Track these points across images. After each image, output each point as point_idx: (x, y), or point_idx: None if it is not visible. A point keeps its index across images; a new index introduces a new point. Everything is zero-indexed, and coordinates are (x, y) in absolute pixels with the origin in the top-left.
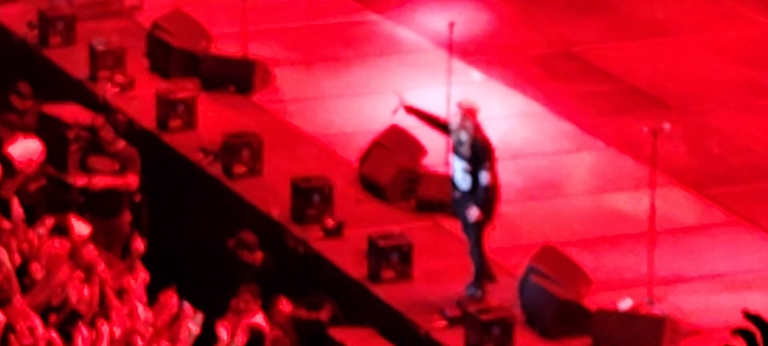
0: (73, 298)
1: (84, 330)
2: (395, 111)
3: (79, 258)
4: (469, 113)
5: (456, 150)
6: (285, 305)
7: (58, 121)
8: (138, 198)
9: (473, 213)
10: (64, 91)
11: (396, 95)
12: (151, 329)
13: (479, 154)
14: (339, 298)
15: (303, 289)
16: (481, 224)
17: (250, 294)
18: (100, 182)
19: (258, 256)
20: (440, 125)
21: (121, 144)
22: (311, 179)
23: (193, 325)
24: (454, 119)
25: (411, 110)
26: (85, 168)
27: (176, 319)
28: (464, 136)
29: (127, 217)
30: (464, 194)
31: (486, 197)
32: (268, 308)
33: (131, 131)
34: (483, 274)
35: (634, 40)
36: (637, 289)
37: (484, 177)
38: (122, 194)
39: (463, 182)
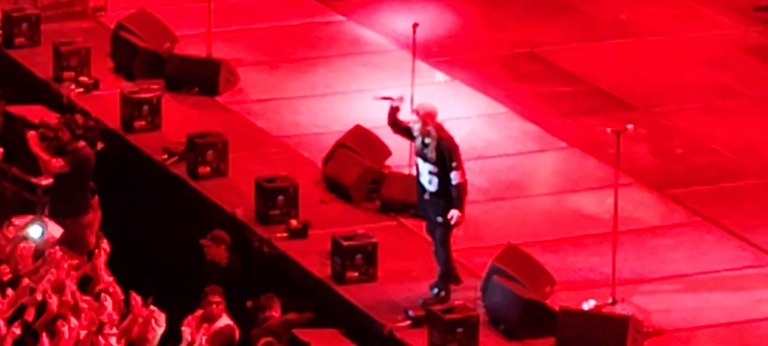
0: (42, 298)
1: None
2: (386, 99)
3: (49, 259)
4: (428, 117)
5: (421, 154)
6: (276, 310)
7: (23, 121)
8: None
9: (454, 215)
10: (28, 92)
11: (396, 97)
12: (116, 329)
13: (446, 154)
14: (303, 298)
15: (267, 289)
16: (451, 225)
17: (215, 295)
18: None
19: (224, 255)
20: (407, 132)
21: (81, 144)
22: (276, 180)
23: (157, 324)
24: (415, 126)
25: (393, 115)
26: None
27: (144, 320)
28: (428, 140)
29: (90, 218)
30: (432, 195)
31: (459, 195)
32: (232, 308)
33: (92, 132)
34: (449, 275)
35: (598, 41)
36: (600, 289)
37: (455, 176)
38: (86, 195)
39: (430, 184)
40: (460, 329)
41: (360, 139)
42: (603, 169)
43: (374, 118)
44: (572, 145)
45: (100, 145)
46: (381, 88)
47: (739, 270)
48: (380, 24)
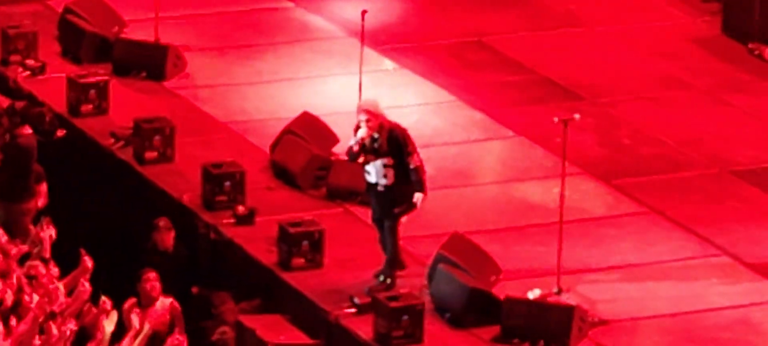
0: None
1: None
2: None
3: None
4: (371, 114)
5: (372, 150)
6: (230, 303)
7: None
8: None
9: (419, 198)
10: None
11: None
12: (63, 315)
13: (399, 143)
14: (249, 285)
15: (213, 276)
16: (404, 212)
17: (150, 276)
18: None
19: (170, 241)
20: (362, 148)
21: (25, 131)
22: (222, 166)
23: (108, 323)
24: (365, 124)
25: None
26: None
27: (96, 313)
28: (377, 135)
29: (31, 205)
30: (387, 188)
31: (419, 178)
32: (177, 293)
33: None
34: (394, 262)
35: (547, 31)
36: (546, 278)
37: (412, 161)
38: (27, 182)
39: (385, 178)
40: (405, 317)
41: (308, 126)
42: (550, 159)
43: (322, 105)
44: (519, 135)
45: (60, 132)
46: (329, 75)
47: (684, 261)
48: (329, 11)
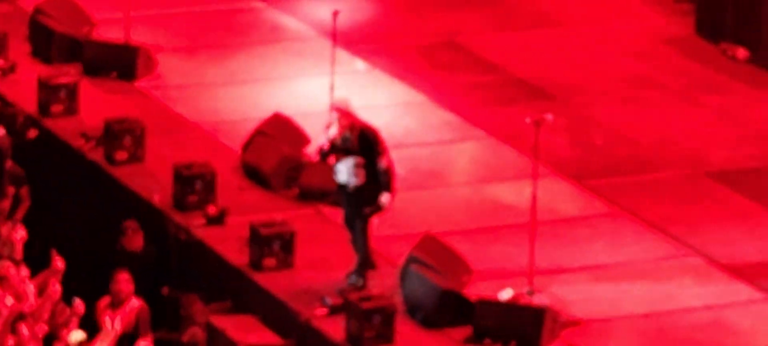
0: None
1: None
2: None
3: None
4: (344, 113)
5: (343, 149)
6: (198, 305)
7: None
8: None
9: (386, 199)
10: None
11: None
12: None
13: (370, 142)
14: (220, 286)
15: (184, 277)
16: (374, 212)
17: (123, 277)
18: None
19: (139, 243)
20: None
21: None
22: (193, 166)
23: (77, 333)
24: (334, 124)
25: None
26: None
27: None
28: (348, 134)
29: (6, 203)
30: (357, 188)
31: (388, 179)
32: (147, 294)
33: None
34: (366, 262)
35: (519, 31)
36: (517, 279)
37: (382, 162)
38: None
39: (355, 177)
40: (377, 318)
41: (279, 126)
42: (522, 160)
43: (294, 106)
44: (491, 135)
45: (33, 133)
46: (301, 75)
47: (657, 261)
48: (300, 11)
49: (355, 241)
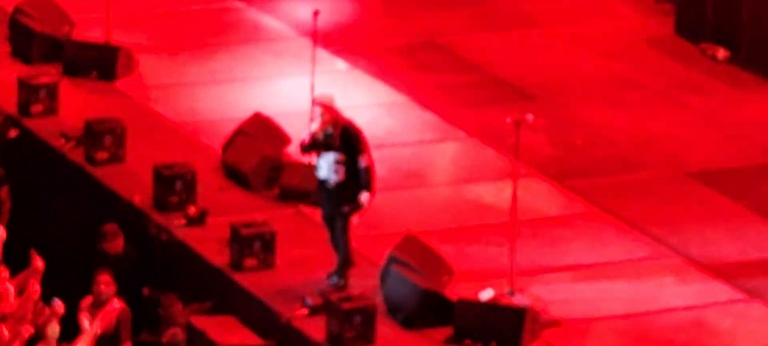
0: None
1: None
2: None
3: None
4: (327, 108)
5: (324, 145)
6: (178, 305)
7: None
8: None
9: (365, 198)
10: None
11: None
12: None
13: (352, 140)
14: (201, 286)
15: (164, 277)
16: (353, 211)
17: (104, 278)
18: None
19: (119, 245)
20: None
21: None
22: (174, 166)
23: (54, 325)
24: (317, 119)
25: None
26: None
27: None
28: (330, 130)
29: None
30: (337, 185)
31: (368, 178)
32: (130, 295)
33: None
34: (347, 262)
35: (499, 32)
36: (498, 279)
37: (363, 160)
38: None
39: (336, 174)
40: (357, 318)
41: (260, 126)
42: (502, 160)
43: (274, 106)
44: (472, 135)
45: (13, 132)
46: (281, 75)
47: (638, 262)
48: (281, 11)
49: (335, 240)
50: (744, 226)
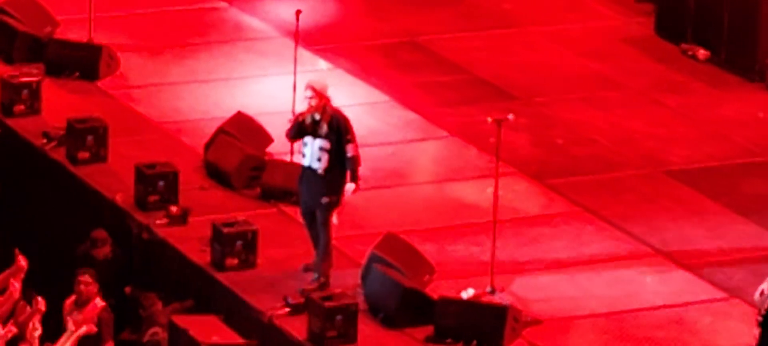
0: None
1: None
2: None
3: None
4: (318, 94)
5: (311, 132)
6: (158, 303)
7: None
8: None
9: (350, 187)
10: None
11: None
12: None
13: (340, 128)
14: (183, 285)
15: (146, 276)
16: (334, 204)
17: (86, 277)
18: None
19: (107, 251)
20: (300, 129)
21: None
22: (156, 166)
23: (36, 324)
24: (310, 101)
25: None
26: None
27: (30, 312)
28: (318, 116)
29: None
30: (319, 175)
31: (354, 168)
32: (113, 294)
33: None
34: (327, 257)
35: (480, 31)
36: (479, 278)
37: (350, 149)
38: None
39: (319, 162)
40: (339, 317)
41: (241, 125)
42: (483, 159)
43: (256, 105)
44: (453, 135)
45: None
46: (264, 75)
47: (618, 260)
48: (263, 11)
49: (315, 235)
50: (723, 224)
